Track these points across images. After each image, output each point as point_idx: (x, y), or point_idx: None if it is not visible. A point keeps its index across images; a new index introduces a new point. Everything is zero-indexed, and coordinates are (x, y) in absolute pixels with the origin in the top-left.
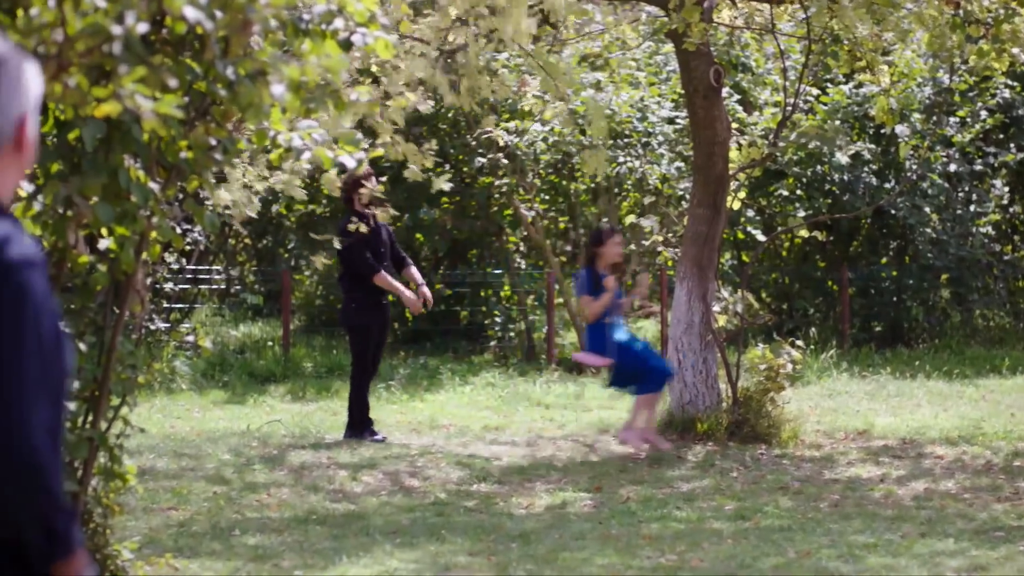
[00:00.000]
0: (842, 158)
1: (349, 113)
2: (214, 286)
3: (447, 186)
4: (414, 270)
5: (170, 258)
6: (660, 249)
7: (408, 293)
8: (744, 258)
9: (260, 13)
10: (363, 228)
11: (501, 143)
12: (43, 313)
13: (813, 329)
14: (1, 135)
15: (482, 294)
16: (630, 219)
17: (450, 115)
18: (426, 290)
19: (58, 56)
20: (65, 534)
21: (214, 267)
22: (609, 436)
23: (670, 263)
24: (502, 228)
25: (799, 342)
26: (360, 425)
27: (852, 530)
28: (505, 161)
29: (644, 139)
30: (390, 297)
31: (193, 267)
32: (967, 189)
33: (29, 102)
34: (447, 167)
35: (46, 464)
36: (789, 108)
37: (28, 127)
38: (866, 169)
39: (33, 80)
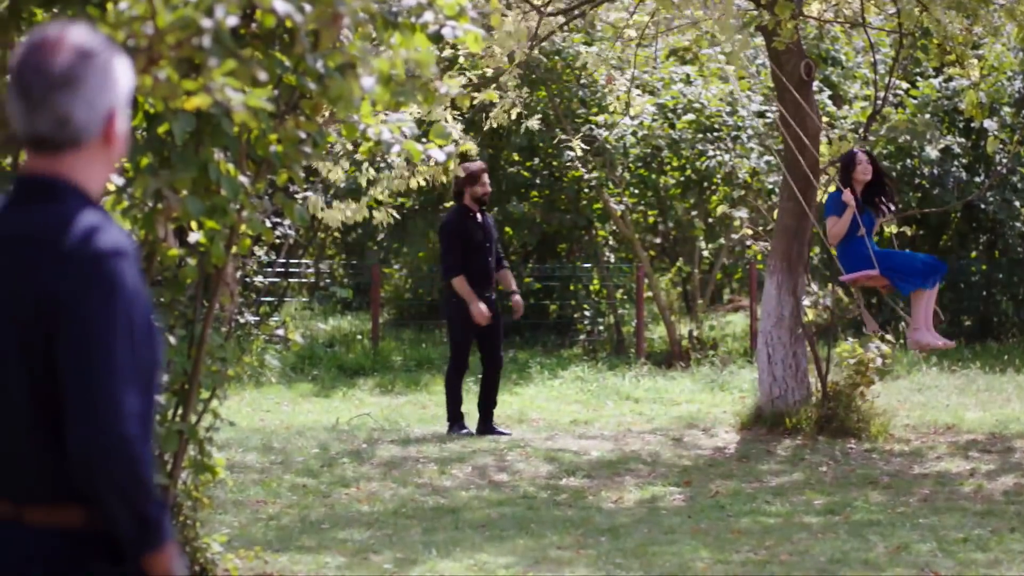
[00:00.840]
0: (932, 152)
1: (438, 106)
2: (303, 279)
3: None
4: (509, 276)
5: (260, 251)
6: (749, 243)
7: (478, 307)
8: (833, 252)
9: (350, 6)
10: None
11: (578, 152)
12: (134, 303)
13: (903, 323)
14: (89, 129)
15: (571, 288)
16: (720, 210)
17: (539, 108)
18: (518, 298)
19: (148, 49)
20: (157, 525)
21: (303, 260)
22: (697, 430)
23: (759, 257)
24: (591, 222)
25: (888, 336)
26: (453, 419)
27: (942, 525)
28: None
29: (734, 133)
30: (499, 287)
31: (282, 260)
32: None
33: (119, 97)
34: (536, 161)
35: (138, 454)
36: (879, 102)
37: (117, 122)
38: (956, 163)
39: (123, 74)
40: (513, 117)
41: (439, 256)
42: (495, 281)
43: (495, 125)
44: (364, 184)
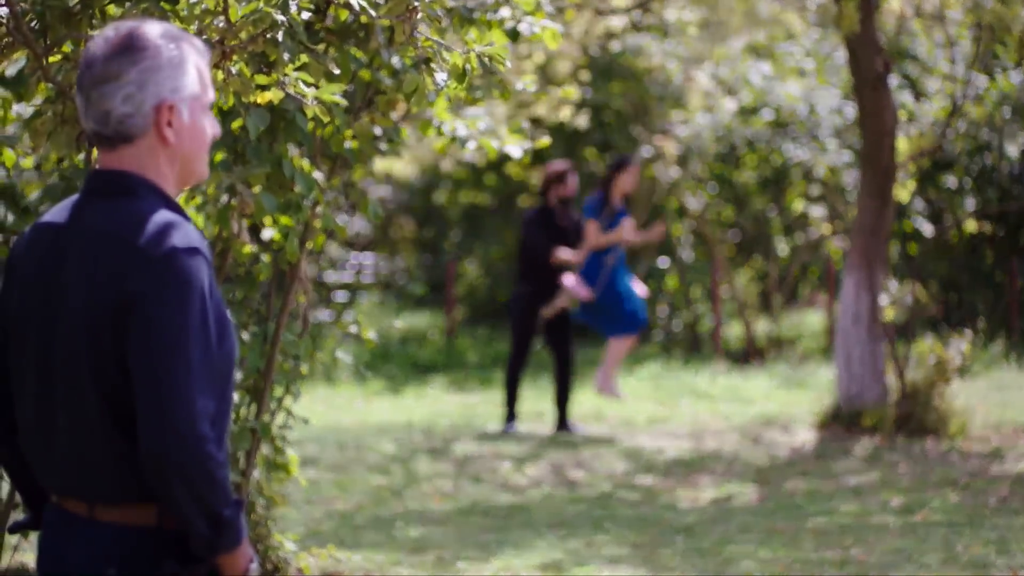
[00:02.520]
0: (1012, 149)
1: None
2: (377, 276)
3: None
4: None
5: (334, 248)
6: (828, 240)
7: (572, 281)
8: (912, 250)
9: (424, 1)
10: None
11: (673, 155)
12: (208, 300)
13: (981, 321)
14: (136, 124)
15: (647, 285)
16: (798, 207)
17: (614, 106)
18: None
19: (220, 44)
20: (231, 525)
21: (377, 257)
22: (774, 429)
23: (837, 253)
24: (667, 218)
25: (968, 333)
26: (508, 416)
27: (1021, 526)
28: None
29: (811, 129)
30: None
31: (356, 257)
32: None
33: (175, 91)
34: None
35: (211, 453)
36: (959, 98)
37: (174, 116)
38: None
39: (183, 69)
40: (577, 117)
41: (517, 255)
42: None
43: (565, 122)
44: None
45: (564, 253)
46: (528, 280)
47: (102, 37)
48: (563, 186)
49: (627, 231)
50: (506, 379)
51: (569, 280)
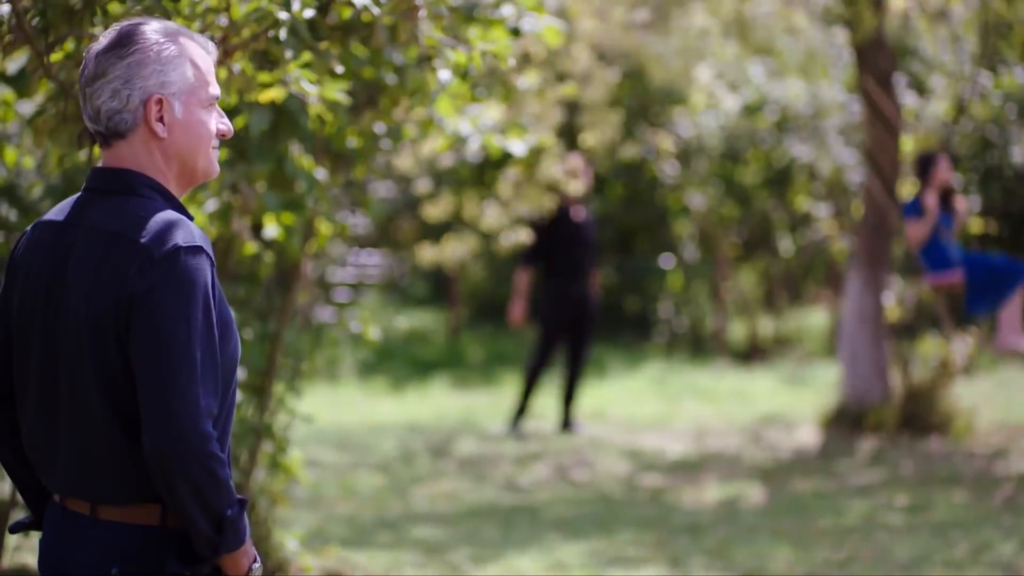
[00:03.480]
0: (1017, 148)
1: (517, 100)
2: (379, 274)
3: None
4: (592, 275)
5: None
6: (832, 239)
7: (518, 308)
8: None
9: None
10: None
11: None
12: (211, 299)
13: (985, 320)
14: (123, 119)
15: (650, 285)
16: (802, 205)
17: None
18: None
19: (223, 42)
20: (234, 524)
21: (380, 255)
22: (778, 428)
23: (842, 253)
24: (671, 217)
25: (973, 329)
26: (521, 412)
27: None
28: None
29: (815, 128)
30: (600, 282)
31: (359, 255)
32: None
33: (165, 86)
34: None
35: (213, 452)
36: (964, 96)
37: (164, 111)
38: None
39: (176, 64)
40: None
41: (544, 252)
42: (589, 277)
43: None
44: None
45: (521, 279)
46: (557, 279)
47: (104, 35)
48: (578, 182)
49: (928, 202)
50: (526, 378)
51: (930, 276)
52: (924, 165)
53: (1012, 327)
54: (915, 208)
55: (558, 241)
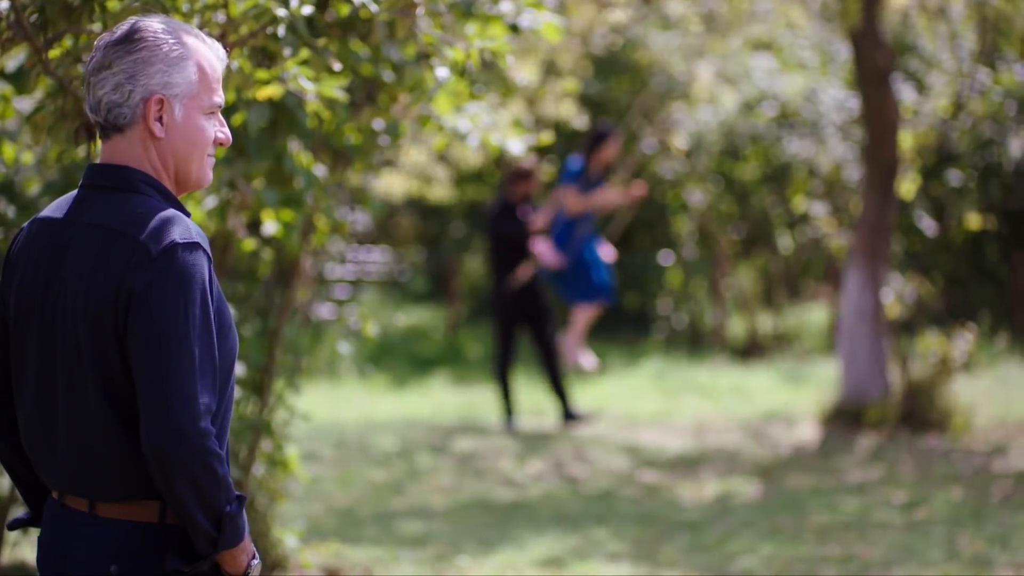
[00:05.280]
0: (1016, 144)
1: (516, 96)
2: (378, 270)
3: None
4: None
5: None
6: (831, 236)
7: (542, 246)
8: (915, 246)
9: None
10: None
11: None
12: (209, 295)
13: (984, 317)
14: (122, 113)
15: (649, 281)
16: (801, 202)
17: (620, 99)
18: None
19: (221, 38)
20: (233, 520)
21: (379, 252)
22: (777, 425)
23: (841, 249)
24: (669, 213)
25: (971, 328)
26: (506, 412)
27: (1023, 522)
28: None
29: (813, 124)
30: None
31: (357, 252)
32: None
33: (167, 85)
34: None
35: (212, 448)
36: (963, 93)
37: (164, 110)
38: None
39: (179, 64)
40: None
41: (490, 254)
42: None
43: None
44: None
45: (542, 248)
46: (503, 275)
47: (117, 27)
48: (527, 184)
49: (608, 194)
50: (496, 377)
51: (539, 246)
52: (598, 138)
53: (574, 337)
54: (577, 177)
55: (501, 235)
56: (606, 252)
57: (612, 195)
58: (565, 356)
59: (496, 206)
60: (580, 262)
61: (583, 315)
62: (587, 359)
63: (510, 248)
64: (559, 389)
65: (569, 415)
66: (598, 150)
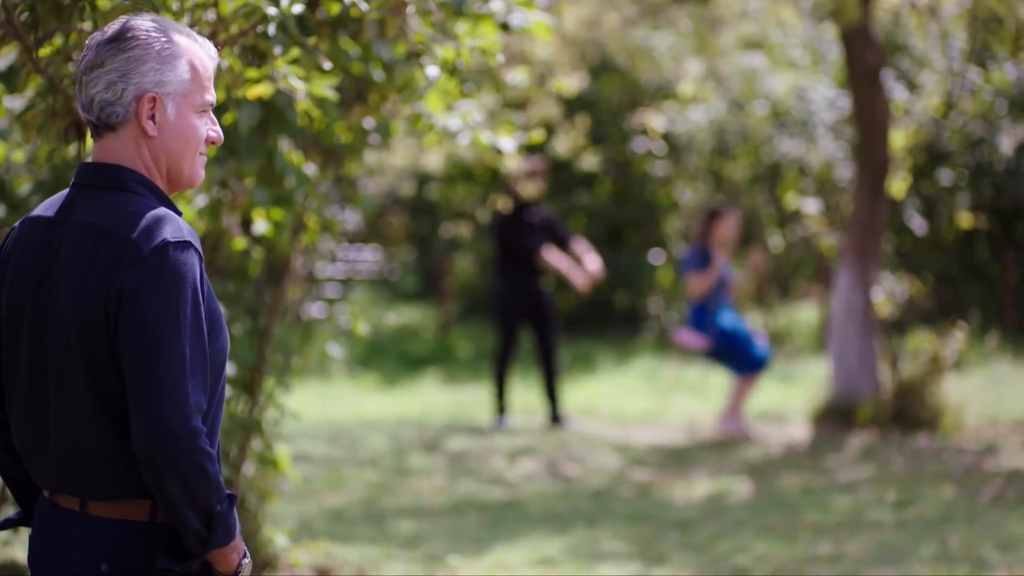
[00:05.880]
0: (1006, 143)
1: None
2: (369, 271)
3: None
4: (579, 246)
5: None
6: (822, 235)
7: (685, 335)
8: (906, 244)
9: None
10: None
11: (658, 131)
12: (200, 294)
13: (975, 315)
14: (115, 112)
15: (640, 280)
16: (791, 201)
17: (608, 97)
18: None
19: (211, 37)
20: (224, 519)
21: (370, 250)
22: (767, 424)
23: (831, 248)
24: (660, 213)
25: (962, 327)
26: (499, 410)
27: (1015, 521)
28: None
29: (804, 123)
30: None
31: (348, 251)
32: None
33: (161, 84)
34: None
35: (202, 447)
36: (954, 92)
37: (157, 109)
38: None
39: (171, 64)
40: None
41: (497, 253)
42: (540, 275)
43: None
44: None
45: (554, 256)
46: (509, 276)
47: (109, 26)
48: (536, 184)
49: (719, 258)
50: (494, 374)
51: (682, 335)
52: (711, 217)
53: (732, 409)
54: (697, 260)
55: (511, 240)
56: (750, 327)
57: (740, 276)
58: (724, 426)
59: (506, 209)
60: (730, 337)
61: (745, 386)
62: (746, 428)
63: (518, 255)
64: (552, 391)
65: (556, 418)
66: (713, 229)
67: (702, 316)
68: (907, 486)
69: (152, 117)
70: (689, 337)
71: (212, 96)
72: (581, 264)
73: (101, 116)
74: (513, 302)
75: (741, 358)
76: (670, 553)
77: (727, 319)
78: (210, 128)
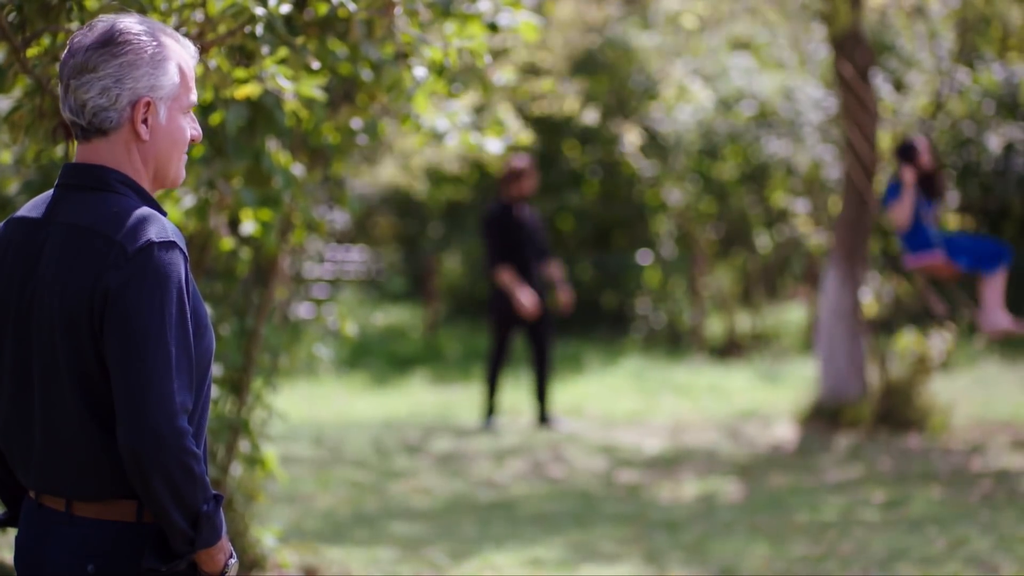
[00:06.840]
0: (994, 144)
1: (494, 96)
2: (357, 271)
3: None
4: (554, 269)
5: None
6: (809, 235)
7: (525, 297)
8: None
9: None
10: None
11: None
12: (185, 294)
13: (962, 316)
14: (109, 117)
15: (628, 280)
16: (779, 201)
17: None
18: (565, 292)
19: (199, 37)
20: (210, 520)
21: (357, 251)
22: (755, 424)
23: (819, 248)
24: (648, 213)
25: (949, 327)
26: (488, 411)
27: (1002, 521)
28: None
29: (792, 124)
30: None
31: (336, 251)
32: None
33: (154, 89)
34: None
35: (188, 447)
36: (942, 92)
37: (150, 114)
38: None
39: (164, 68)
40: (568, 108)
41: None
42: (540, 275)
43: (548, 115)
44: None
45: (507, 276)
46: (495, 282)
47: (88, 27)
48: (522, 183)
49: (906, 178)
50: (487, 375)
51: (994, 318)
52: (904, 150)
53: (994, 306)
54: (895, 190)
55: (505, 243)
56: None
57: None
58: (994, 324)
59: (494, 209)
60: (958, 241)
61: (999, 279)
62: (1013, 320)
63: (517, 255)
64: (542, 392)
65: (544, 418)
66: (912, 161)
67: (919, 236)
68: (895, 486)
69: (145, 121)
70: (917, 258)
71: (195, 96)
72: (555, 288)
73: (94, 121)
74: (511, 305)
75: (981, 255)
76: (660, 553)
77: (940, 234)
78: (192, 127)
